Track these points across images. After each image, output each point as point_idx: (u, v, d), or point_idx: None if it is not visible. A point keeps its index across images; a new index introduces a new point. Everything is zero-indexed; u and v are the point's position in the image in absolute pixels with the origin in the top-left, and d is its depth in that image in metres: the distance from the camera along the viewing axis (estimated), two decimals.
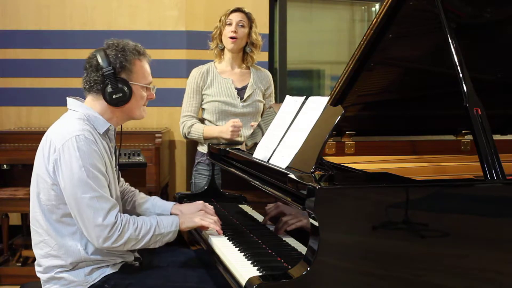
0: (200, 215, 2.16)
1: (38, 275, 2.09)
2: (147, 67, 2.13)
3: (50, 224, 2.01)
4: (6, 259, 3.77)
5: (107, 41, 2.10)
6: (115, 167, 2.17)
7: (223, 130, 3.01)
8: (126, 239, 1.97)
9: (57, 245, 2.01)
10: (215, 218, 2.18)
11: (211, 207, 2.28)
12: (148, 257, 2.26)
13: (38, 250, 2.07)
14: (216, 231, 2.14)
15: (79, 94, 2.17)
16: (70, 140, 1.94)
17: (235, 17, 3.13)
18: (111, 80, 2.02)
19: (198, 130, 3.10)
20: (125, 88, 2.04)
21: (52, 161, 1.97)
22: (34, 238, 2.08)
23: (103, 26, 4.16)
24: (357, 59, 2.17)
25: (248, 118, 3.17)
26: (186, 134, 3.16)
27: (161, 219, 2.07)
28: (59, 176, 1.96)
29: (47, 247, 2.03)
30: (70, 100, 2.11)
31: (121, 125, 2.21)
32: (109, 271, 2.06)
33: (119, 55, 2.04)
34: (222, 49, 3.22)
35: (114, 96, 2.03)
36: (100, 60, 2.03)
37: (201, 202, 2.30)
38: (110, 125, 2.09)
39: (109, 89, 2.02)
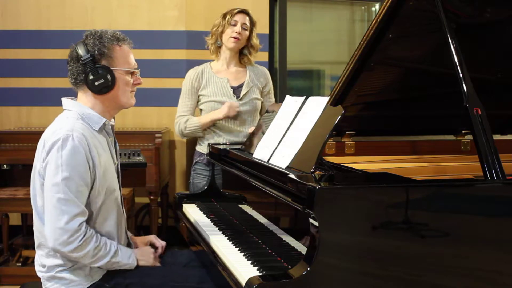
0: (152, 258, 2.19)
1: (39, 274, 2.08)
2: (128, 52, 2.11)
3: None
4: (6, 259, 3.77)
5: (86, 33, 2.09)
6: (116, 161, 2.17)
7: (218, 109, 3.08)
8: (84, 252, 1.95)
9: None
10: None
11: None
12: None
13: (39, 251, 2.07)
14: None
15: (76, 94, 2.16)
16: (58, 141, 1.94)
17: (240, 19, 3.14)
18: (91, 68, 2.01)
19: (194, 121, 3.12)
20: (107, 74, 2.02)
21: (45, 161, 1.97)
22: (35, 240, 2.08)
23: (103, 26, 4.07)
24: (357, 59, 2.17)
25: (245, 116, 3.17)
26: (183, 130, 3.16)
27: (120, 247, 2.06)
28: (45, 176, 1.96)
29: (46, 248, 2.03)
30: (64, 100, 2.10)
31: (114, 119, 2.18)
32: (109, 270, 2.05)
33: (97, 43, 2.03)
34: (220, 46, 3.22)
35: (96, 83, 2.01)
36: (79, 51, 2.03)
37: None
38: (106, 120, 2.08)
39: (90, 76, 2.01)
